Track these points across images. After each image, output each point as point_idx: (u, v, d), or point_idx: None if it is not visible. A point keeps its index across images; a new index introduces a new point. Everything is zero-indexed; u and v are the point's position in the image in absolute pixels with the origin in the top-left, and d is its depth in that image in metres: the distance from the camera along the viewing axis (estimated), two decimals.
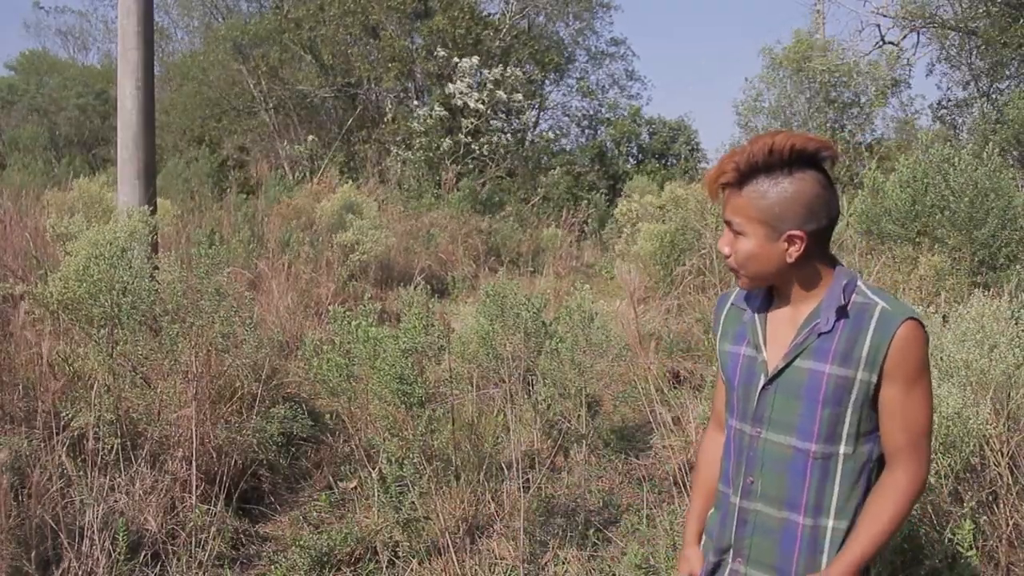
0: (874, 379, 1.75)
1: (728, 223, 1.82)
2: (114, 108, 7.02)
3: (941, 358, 3.39)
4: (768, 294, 1.93)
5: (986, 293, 3.71)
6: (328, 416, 5.33)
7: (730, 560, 1.95)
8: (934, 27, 16.17)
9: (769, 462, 1.85)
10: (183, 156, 18.05)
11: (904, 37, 17.31)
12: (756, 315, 1.93)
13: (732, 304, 2.03)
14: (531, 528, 3.93)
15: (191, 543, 3.66)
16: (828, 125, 16.02)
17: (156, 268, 4.99)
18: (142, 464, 3.94)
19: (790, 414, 1.82)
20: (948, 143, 7.18)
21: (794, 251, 1.77)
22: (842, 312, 1.78)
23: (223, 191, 15.47)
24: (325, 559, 3.79)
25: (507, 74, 17.82)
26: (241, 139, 20.04)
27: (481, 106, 17.53)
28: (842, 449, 1.79)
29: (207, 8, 21.73)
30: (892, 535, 1.79)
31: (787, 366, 1.83)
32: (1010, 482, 3.23)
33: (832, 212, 1.79)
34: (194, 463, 3.99)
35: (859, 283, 1.82)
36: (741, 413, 1.91)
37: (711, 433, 2.18)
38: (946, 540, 3.07)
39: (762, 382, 1.86)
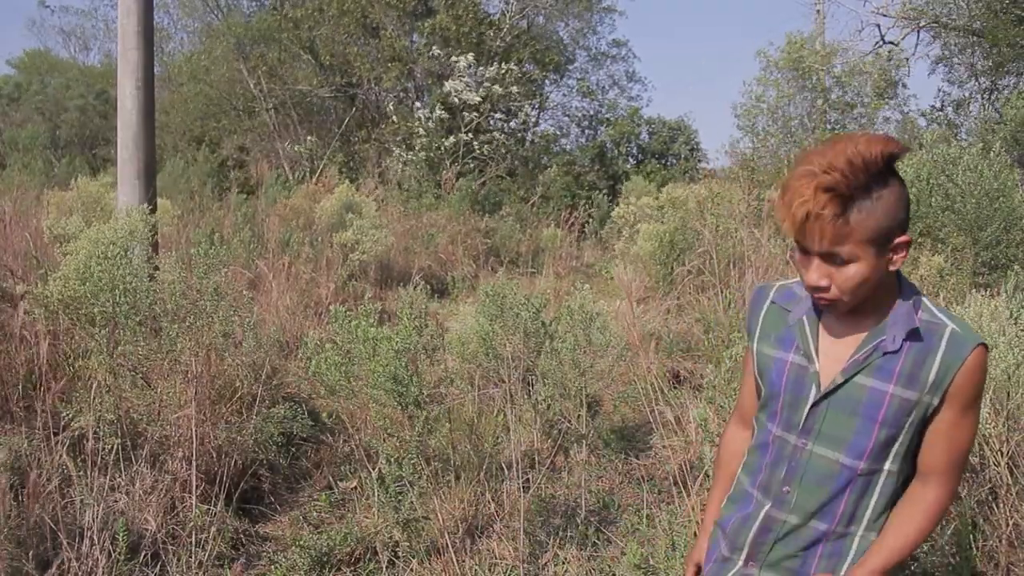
0: (936, 402, 1.70)
1: (829, 256, 1.64)
2: (114, 108, 7.03)
3: None
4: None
5: (986, 293, 3.71)
6: (328, 416, 5.33)
7: (740, 562, 1.91)
8: (935, 27, 16.17)
9: (811, 475, 1.80)
10: (183, 156, 18.07)
11: (904, 37, 17.31)
12: (807, 320, 1.84)
13: (773, 302, 1.93)
14: (531, 528, 3.94)
15: (191, 543, 3.67)
16: (829, 126, 16.03)
17: (156, 268, 4.99)
18: (142, 464, 3.94)
19: (843, 430, 1.76)
20: (949, 143, 7.18)
21: (899, 258, 1.67)
22: (913, 334, 1.71)
23: (223, 191, 15.48)
24: (325, 559, 3.79)
25: (503, 70, 17.82)
26: (241, 139, 20.04)
27: (479, 99, 17.51)
28: (887, 466, 1.76)
29: (208, 8, 21.71)
30: (916, 547, 1.78)
31: (846, 382, 1.75)
32: (1009, 482, 3.23)
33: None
34: (194, 463, 3.99)
35: (925, 300, 1.76)
36: (785, 422, 1.85)
37: (734, 428, 2.12)
38: (946, 540, 3.08)
39: (813, 395, 1.79)
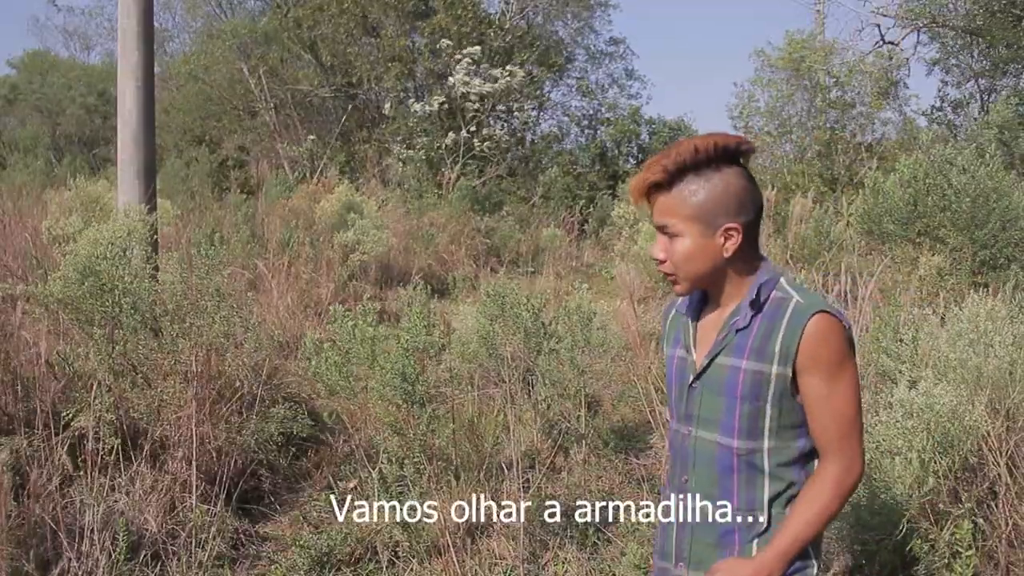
0: (789, 372, 1.76)
1: (661, 227, 1.83)
2: (115, 108, 7.02)
3: (938, 358, 3.39)
4: (703, 298, 1.93)
5: (984, 293, 3.72)
6: (328, 416, 5.33)
7: (673, 567, 1.95)
8: (935, 27, 16.17)
9: (700, 460, 1.86)
10: (183, 156, 18.07)
11: (904, 37, 17.31)
12: (688, 316, 1.95)
13: (675, 311, 2.05)
14: (531, 528, 3.94)
15: (191, 543, 3.67)
16: (828, 125, 16.02)
17: (156, 268, 5.00)
18: (142, 464, 3.95)
19: (714, 411, 1.83)
20: (947, 143, 7.19)
21: (731, 245, 1.78)
22: (756, 307, 1.80)
23: (223, 191, 15.48)
24: (325, 559, 3.79)
25: (507, 73, 17.83)
26: (241, 139, 20.04)
27: (488, 88, 17.48)
28: (766, 444, 1.80)
29: (211, 8, 21.72)
30: (822, 525, 1.80)
31: (710, 363, 1.85)
32: (1009, 481, 3.23)
33: (758, 204, 1.84)
34: (194, 463, 3.99)
35: (782, 280, 1.84)
36: (677, 414, 1.94)
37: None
38: (945, 540, 3.08)
39: (690, 381, 1.88)
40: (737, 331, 1.81)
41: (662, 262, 1.85)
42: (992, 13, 14.31)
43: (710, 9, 69.55)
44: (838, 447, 1.77)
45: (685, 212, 1.78)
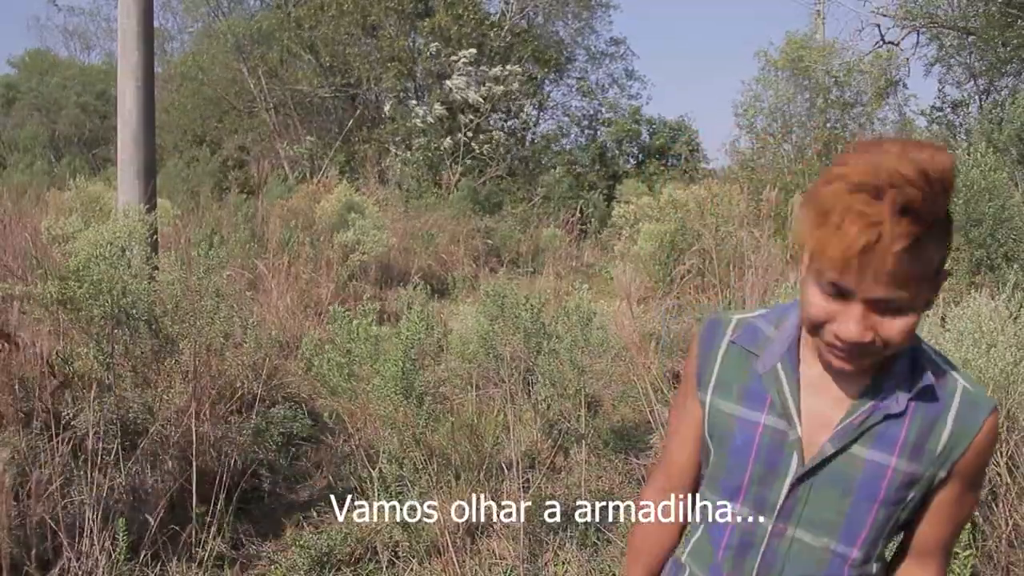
0: (943, 475, 1.36)
1: (881, 302, 1.20)
2: (114, 108, 7.04)
3: None
4: (796, 341, 1.41)
5: (982, 293, 3.72)
6: (328, 416, 5.33)
7: None
8: (933, 27, 16.18)
9: (793, 566, 1.41)
10: (183, 156, 18.09)
11: (904, 37, 17.31)
12: (782, 369, 1.40)
13: (733, 342, 1.49)
14: (531, 528, 3.94)
15: (191, 543, 3.67)
16: (829, 125, 16.02)
17: (156, 268, 5.00)
18: (142, 464, 3.95)
19: (834, 512, 1.37)
20: (946, 143, 7.19)
21: (934, 297, 1.28)
22: (925, 392, 1.34)
23: (223, 191, 15.49)
24: (325, 559, 3.79)
25: (506, 71, 17.85)
26: (241, 139, 20.06)
27: (481, 99, 17.53)
28: (879, 550, 1.41)
29: (210, 8, 21.72)
30: None
31: (838, 453, 1.36)
32: (1009, 482, 3.24)
33: None
34: (194, 463, 3.99)
35: (924, 344, 1.39)
36: (755, 501, 1.43)
37: (656, 498, 1.64)
38: None
39: (795, 469, 1.38)
40: (886, 417, 1.34)
41: (868, 342, 1.24)
42: (988, 13, 14.32)
43: (710, 9, 69.58)
44: (944, 553, 1.44)
45: (924, 279, 1.19)
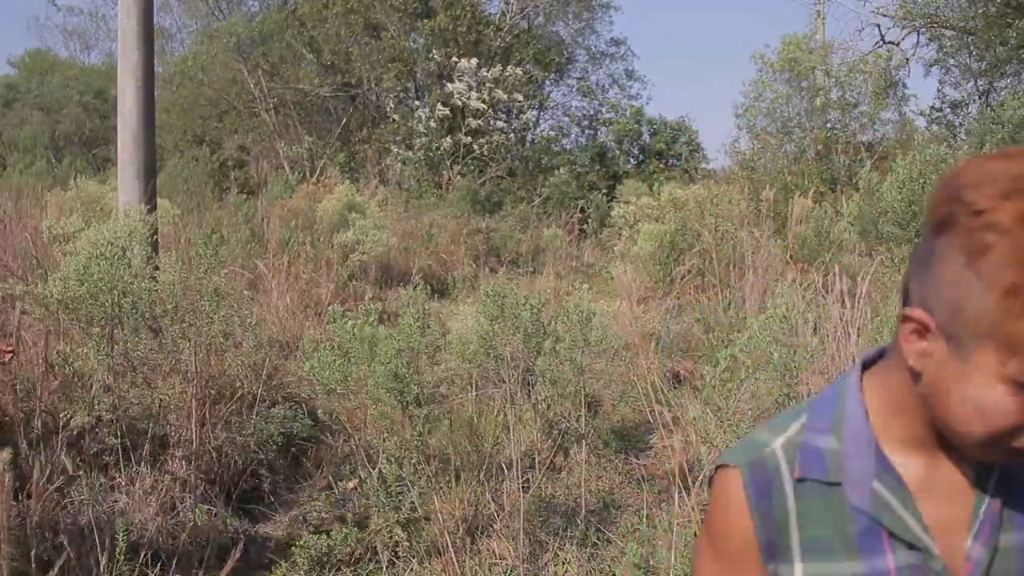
0: None
1: None
2: (115, 108, 7.04)
3: None
4: (874, 442, 1.05)
5: None
6: (328, 416, 5.34)
7: None
8: (933, 27, 16.19)
9: None
10: (184, 156, 18.08)
11: (904, 37, 17.31)
12: (884, 488, 1.03)
13: (801, 479, 1.07)
14: (531, 528, 3.94)
15: (191, 543, 3.67)
16: (828, 125, 16.03)
17: (156, 268, 5.00)
18: (142, 464, 3.95)
19: None
20: (946, 144, 7.21)
21: None
22: None
23: (223, 191, 15.49)
24: (325, 559, 3.79)
25: (507, 73, 17.86)
26: (241, 139, 20.05)
27: (482, 105, 17.54)
28: None
29: (210, 8, 21.72)
30: None
31: (994, 554, 1.02)
32: None
33: None
34: (194, 463, 3.99)
35: None
36: None
37: None
38: None
39: None
40: (1012, 487, 1.04)
41: None
42: (988, 14, 14.33)
43: (710, 11, 69.57)
44: None
45: None
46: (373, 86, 19.28)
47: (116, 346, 4.36)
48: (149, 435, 4.07)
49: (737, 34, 67.71)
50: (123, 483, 3.85)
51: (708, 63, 67.38)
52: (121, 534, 3.23)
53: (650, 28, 58.48)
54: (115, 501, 3.76)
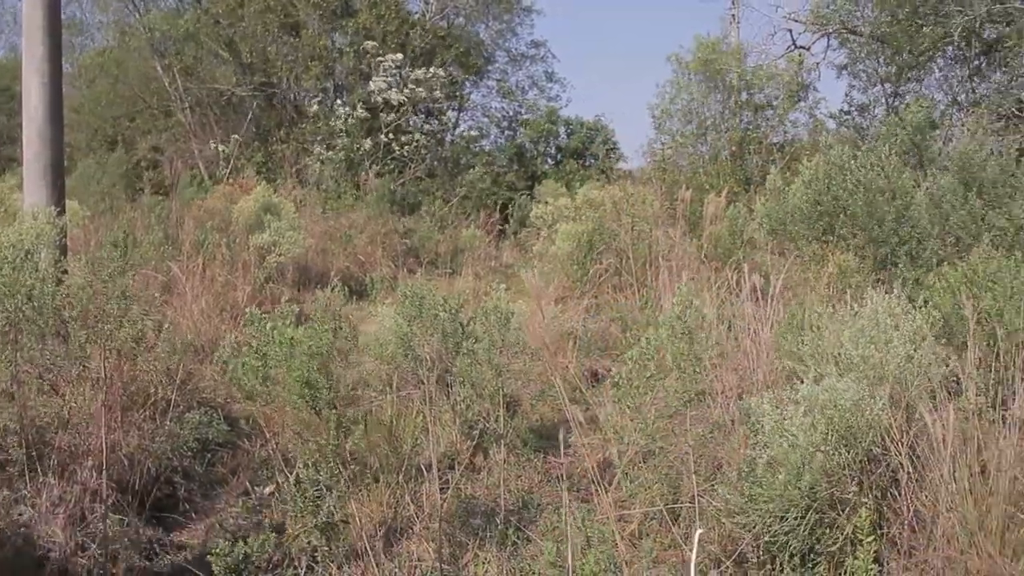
0: None
1: None
2: (20, 104, 6.83)
3: (842, 354, 3.51)
4: None
5: (882, 289, 3.86)
6: (244, 421, 5.26)
7: None
8: (843, 32, 16.66)
9: None
10: (95, 156, 17.58)
11: (814, 42, 17.75)
12: None
13: None
14: (450, 529, 3.95)
15: (102, 555, 3.58)
16: (742, 126, 16.36)
17: (65, 272, 4.86)
18: (49, 475, 3.84)
19: None
20: (855, 146, 7.44)
21: None
22: None
23: (137, 192, 15.11)
24: (242, 566, 3.74)
25: (429, 74, 17.81)
26: (156, 139, 19.58)
27: (404, 99, 17.45)
28: None
29: (123, 3, 21.10)
30: None
31: None
32: (910, 470, 3.36)
33: None
34: (105, 472, 3.90)
35: None
36: None
37: None
38: (851, 528, 3.19)
39: None
40: None
41: None
42: (897, 20, 14.80)
43: (642, 11, 70.13)
44: None
45: None
46: (292, 85, 19.03)
47: (20, 353, 4.23)
48: (56, 444, 3.96)
49: (669, 33, 68.40)
50: (28, 495, 3.74)
51: (640, 62, 67.89)
52: (28, 549, 3.15)
53: (581, 27, 58.66)
54: (19, 515, 3.64)
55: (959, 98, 15.01)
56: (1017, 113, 12.18)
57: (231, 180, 15.05)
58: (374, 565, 3.65)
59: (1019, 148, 8.84)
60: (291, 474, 3.97)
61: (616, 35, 65.85)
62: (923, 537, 3.33)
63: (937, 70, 15.86)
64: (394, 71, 17.58)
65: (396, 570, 3.70)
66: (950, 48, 14.74)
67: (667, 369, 3.61)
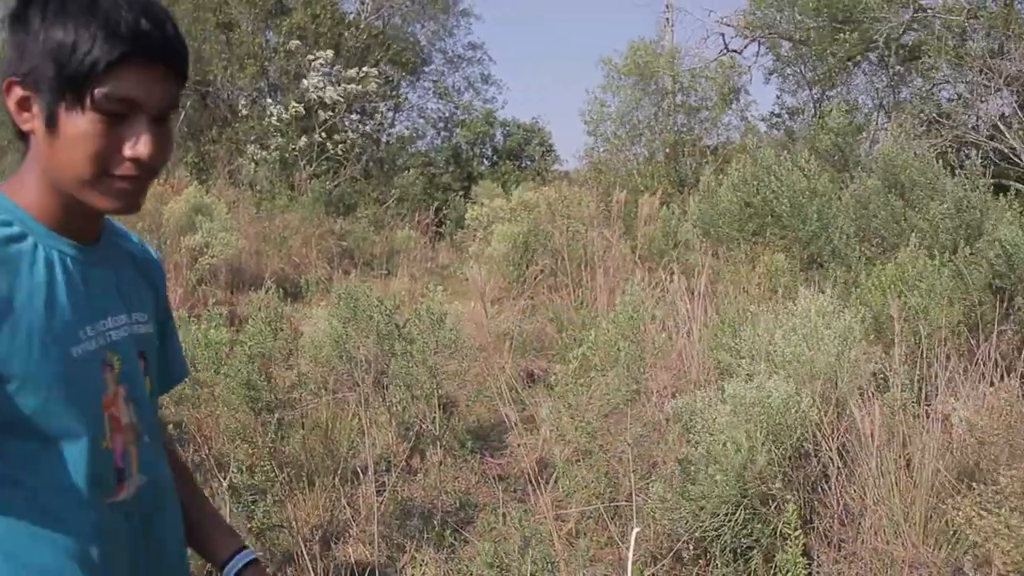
0: None
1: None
2: None
3: (772, 352, 3.58)
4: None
5: (811, 289, 3.95)
6: (174, 426, 5.16)
7: None
8: (772, 37, 16.99)
9: None
10: (16, 154, 17.10)
11: (746, 46, 18.08)
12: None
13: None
14: (387, 532, 3.92)
15: None
16: (675, 129, 16.59)
17: None
18: None
19: None
20: (784, 149, 7.61)
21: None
22: None
23: None
24: None
25: (363, 72, 17.69)
26: None
27: (339, 98, 17.30)
28: None
29: None
30: None
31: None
32: (840, 465, 3.44)
33: None
34: None
35: None
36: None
37: None
38: (780, 522, 3.25)
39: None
40: None
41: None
42: (819, 27, 15.17)
43: (593, 13, 70.37)
44: None
45: None
46: (226, 84, 18.74)
47: None
48: None
49: (613, 35, 68.83)
50: None
51: (584, 65, 68.16)
52: None
53: (521, 30, 58.66)
54: None
55: (884, 102, 15.45)
56: (937, 118, 12.57)
57: (162, 180, 14.74)
58: (310, 569, 3.61)
59: (939, 152, 9.12)
60: (225, 479, 3.91)
61: (561, 38, 66.23)
62: (852, 530, 3.41)
63: (862, 75, 16.31)
64: (326, 69, 17.43)
65: (333, 574, 3.66)
66: (873, 54, 15.16)
67: (608, 367, 3.64)
